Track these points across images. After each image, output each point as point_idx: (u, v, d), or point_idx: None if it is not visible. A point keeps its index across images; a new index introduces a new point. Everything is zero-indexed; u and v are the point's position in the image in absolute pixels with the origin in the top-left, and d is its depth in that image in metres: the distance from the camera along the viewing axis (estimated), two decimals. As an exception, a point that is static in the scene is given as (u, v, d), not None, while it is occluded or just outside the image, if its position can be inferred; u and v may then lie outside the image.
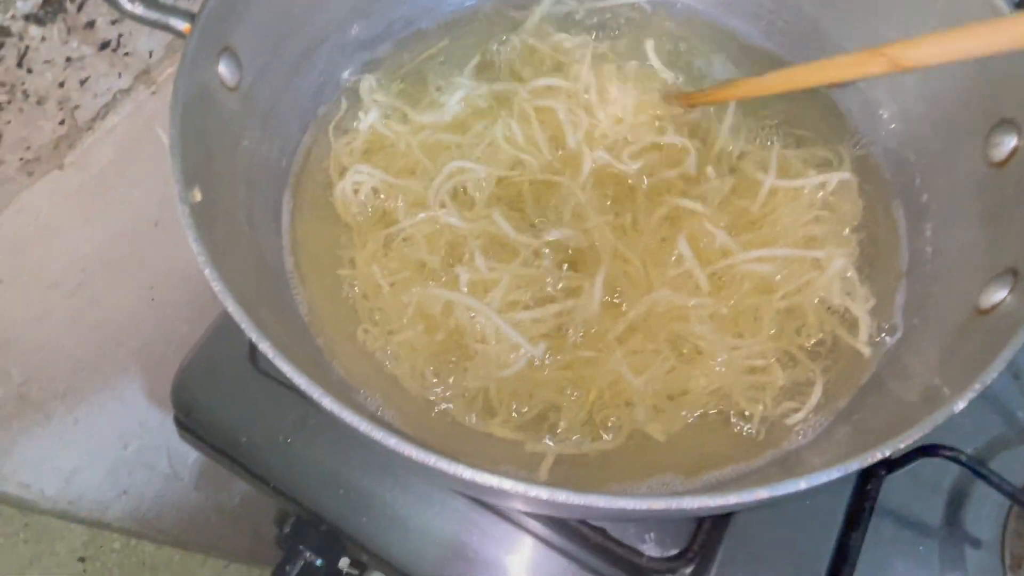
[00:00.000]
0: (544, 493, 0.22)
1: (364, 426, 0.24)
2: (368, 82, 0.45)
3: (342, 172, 0.42)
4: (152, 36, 0.46)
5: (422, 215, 0.40)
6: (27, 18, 0.39)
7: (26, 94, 0.41)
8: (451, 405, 0.38)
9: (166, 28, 0.34)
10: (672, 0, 0.50)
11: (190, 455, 0.73)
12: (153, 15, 0.34)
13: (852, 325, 0.38)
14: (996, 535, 0.43)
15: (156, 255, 0.55)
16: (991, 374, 0.25)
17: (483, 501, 0.42)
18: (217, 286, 0.26)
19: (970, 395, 0.25)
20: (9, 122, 0.40)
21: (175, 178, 0.29)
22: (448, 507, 0.42)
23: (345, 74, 0.46)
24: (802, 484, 0.23)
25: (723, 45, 0.49)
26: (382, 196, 0.41)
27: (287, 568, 0.49)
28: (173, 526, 0.74)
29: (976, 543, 0.43)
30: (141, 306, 0.57)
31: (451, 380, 0.38)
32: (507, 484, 0.22)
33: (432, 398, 0.38)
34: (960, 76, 0.38)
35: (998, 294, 0.30)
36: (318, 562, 0.49)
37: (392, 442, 0.23)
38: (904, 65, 0.32)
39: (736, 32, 0.49)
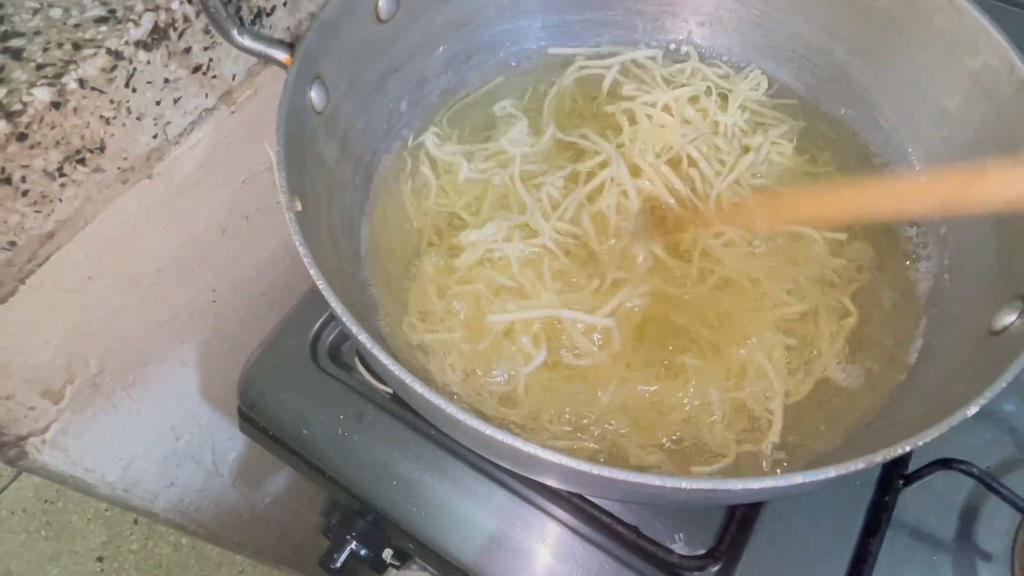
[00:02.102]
0: (594, 469, 0.26)
1: (450, 408, 0.27)
2: (431, 139, 0.50)
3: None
4: (236, 61, 0.51)
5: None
6: (137, 44, 0.43)
7: (129, 111, 0.45)
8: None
9: (269, 58, 0.38)
10: (701, 45, 0.55)
11: (231, 452, 0.76)
12: (258, 47, 0.38)
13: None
14: (1006, 549, 0.46)
15: (221, 260, 0.60)
16: (1001, 384, 0.28)
17: (527, 496, 0.45)
18: (321, 283, 0.30)
19: (982, 401, 0.28)
20: (113, 135, 0.45)
21: (281, 189, 0.33)
22: (494, 501, 0.45)
23: (405, 106, 0.51)
24: (832, 472, 0.26)
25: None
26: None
27: (334, 556, 0.52)
28: (210, 520, 0.77)
29: (987, 556, 0.46)
30: (203, 306, 0.61)
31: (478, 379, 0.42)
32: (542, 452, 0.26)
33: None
34: (977, 117, 0.42)
35: (1008, 318, 0.34)
36: (363, 552, 0.52)
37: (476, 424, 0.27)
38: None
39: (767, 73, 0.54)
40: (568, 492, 0.45)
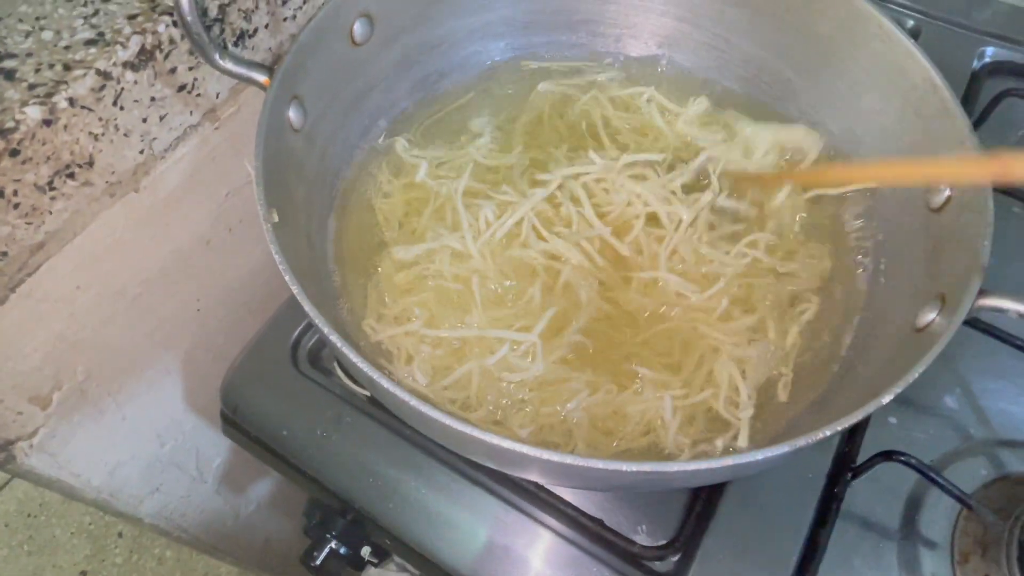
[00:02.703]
0: (555, 457, 0.28)
1: (414, 402, 0.30)
2: (401, 143, 0.53)
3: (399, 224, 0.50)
4: (220, 81, 0.53)
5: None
6: (125, 65, 0.46)
7: (117, 128, 0.47)
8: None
9: (249, 80, 0.41)
10: (658, 56, 0.58)
11: (215, 459, 0.78)
12: (239, 69, 0.41)
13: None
14: (948, 536, 0.48)
15: (205, 271, 0.62)
16: (914, 374, 0.31)
17: (495, 491, 0.47)
18: (295, 288, 0.32)
19: (896, 390, 0.31)
20: (102, 151, 0.47)
21: (259, 202, 0.36)
22: (466, 496, 0.47)
23: (382, 122, 0.53)
24: (759, 455, 0.29)
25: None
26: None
27: (314, 554, 0.54)
28: (194, 526, 0.79)
29: (930, 545, 0.48)
30: (187, 316, 0.63)
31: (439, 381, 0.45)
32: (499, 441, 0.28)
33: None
34: (908, 135, 0.45)
35: (930, 315, 0.37)
36: (342, 550, 0.54)
37: (449, 421, 0.29)
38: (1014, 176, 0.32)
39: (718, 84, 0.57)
40: (535, 486, 0.48)
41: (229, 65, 0.40)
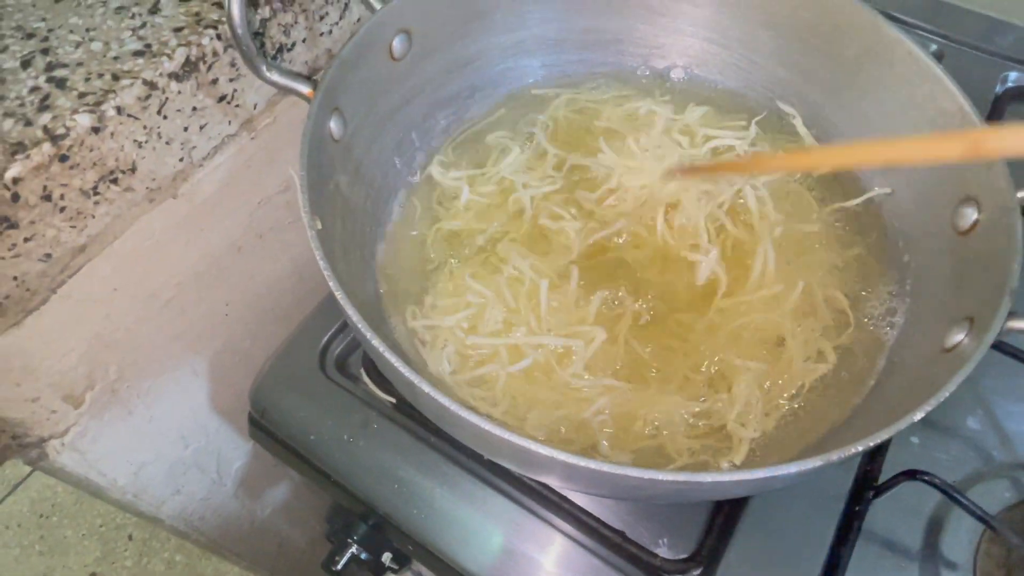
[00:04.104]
0: (592, 464, 0.29)
1: (453, 406, 0.30)
2: (437, 169, 0.54)
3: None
4: (258, 92, 0.55)
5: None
6: (170, 75, 0.47)
7: (159, 136, 0.49)
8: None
9: (293, 92, 0.42)
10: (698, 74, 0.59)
11: (235, 463, 0.79)
12: (284, 81, 0.42)
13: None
14: (970, 558, 0.48)
15: (236, 276, 0.63)
16: (944, 394, 0.32)
17: (519, 500, 0.48)
18: (339, 294, 0.33)
19: (927, 408, 0.31)
20: (144, 158, 0.48)
21: (304, 209, 0.37)
22: (490, 504, 0.48)
23: (414, 135, 0.55)
24: (792, 468, 0.29)
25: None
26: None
27: (336, 559, 0.54)
28: (212, 529, 0.80)
29: (952, 566, 0.48)
30: (216, 320, 0.64)
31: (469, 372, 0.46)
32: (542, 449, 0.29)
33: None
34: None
35: (958, 337, 0.37)
36: (364, 555, 0.55)
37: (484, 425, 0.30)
38: (986, 152, 0.32)
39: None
40: (558, 497, 0.48)
41: (275, 77, 0.42)
